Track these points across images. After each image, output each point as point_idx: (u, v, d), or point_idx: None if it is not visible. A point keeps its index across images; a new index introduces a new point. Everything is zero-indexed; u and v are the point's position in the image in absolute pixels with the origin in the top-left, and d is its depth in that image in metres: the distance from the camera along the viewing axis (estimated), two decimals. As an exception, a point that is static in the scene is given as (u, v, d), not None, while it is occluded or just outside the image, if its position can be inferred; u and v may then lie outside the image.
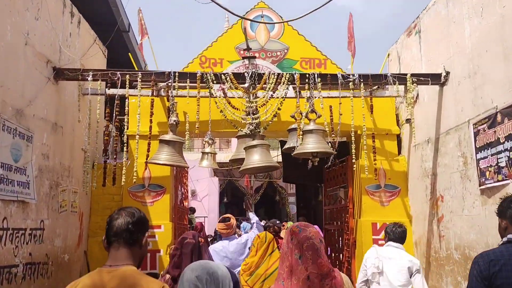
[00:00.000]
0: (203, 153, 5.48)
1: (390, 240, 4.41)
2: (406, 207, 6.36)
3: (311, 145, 5.11)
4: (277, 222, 9.19)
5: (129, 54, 6.96)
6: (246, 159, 5.04)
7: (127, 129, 6.18)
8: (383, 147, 6.54)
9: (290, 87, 5.66)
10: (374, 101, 6.08)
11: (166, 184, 6.27)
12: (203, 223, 10.68)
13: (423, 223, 5.89)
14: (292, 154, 5.35)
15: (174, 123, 5.03)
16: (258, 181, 25.69)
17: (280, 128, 6.56)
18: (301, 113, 5.83)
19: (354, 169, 6.49)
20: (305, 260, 2.24)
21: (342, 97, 5.61)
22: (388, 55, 7.12)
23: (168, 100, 5.20)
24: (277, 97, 5.41)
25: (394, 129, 6.63)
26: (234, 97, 5.42)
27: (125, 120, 5.13)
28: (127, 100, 5.10)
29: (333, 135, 5.41)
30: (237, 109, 5.25)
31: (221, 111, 5.23)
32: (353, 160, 5.69)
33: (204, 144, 5.49)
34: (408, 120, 6.27)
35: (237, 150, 5.73)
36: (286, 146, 5.79)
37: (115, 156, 5.03)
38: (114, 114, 5.06)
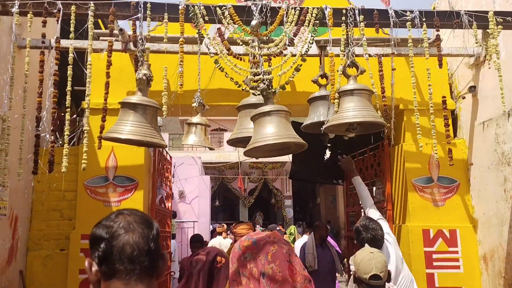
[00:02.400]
0: (189, 124, 3.70)
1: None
2: (467, 207, 4.66)
3: (353, 112, 3.39)
4: (277, 228, 7.45)
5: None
6: (255, 134, 3.30)
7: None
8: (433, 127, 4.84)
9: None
10: (418, 66, 4.43)
11: (139, 176, 4.50)
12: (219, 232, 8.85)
13: (499, 229, 4.19)
14: (322, 128, 3.63)
15: (145, 78, 3.28)
16: (253, 183, 24.10)
17: (294, 100, 4.85)
18: (326, 77, 4.15)
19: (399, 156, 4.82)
20: (273, 276, 2.08)
21: (388, 55, 3.93)
22: (434, 7, 5.44)
23: (135, 46, 3.44)
24: (294, 55, 3.66)
25: (448, 103, 4.93)
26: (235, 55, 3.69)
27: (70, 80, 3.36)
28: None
29: (384, 101, 3.70)
30: (241, 59, 3.50)
31: (215, 62, 3.48)
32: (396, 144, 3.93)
33: (194, 110, 3.68)
34: (472, 89, 4.59)
35: (239, 126, 3.98)
36: (308, 121, 4.07)
37: (52, 129, 3.25)
38: (52, 67, 3.30)
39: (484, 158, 4.41)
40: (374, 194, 5.81)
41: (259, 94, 3.36)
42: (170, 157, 6.24)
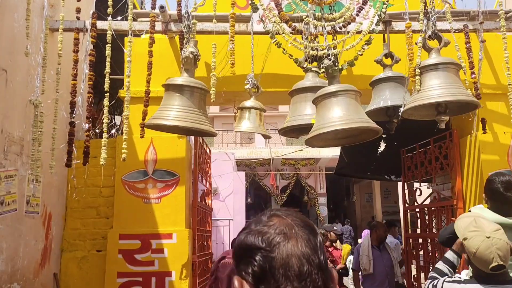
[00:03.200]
0: (242, 109, 3.24)
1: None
2: (556, 206, 4.03)
3: (439, 90, 2.85)
4: (334, 228, 6.87)
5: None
6: (320, 119, 2.81)
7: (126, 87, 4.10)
8: (510, 113, 4.23)
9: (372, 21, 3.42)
10: (492, 44, 3.88)
11: (180, 171, 4.09)
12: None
13: None
14: (400, 113, 3.11)
15: (191, 56, 2.84)
16: (285, 180, 23.59)
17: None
18: (392, 56, 3.64)
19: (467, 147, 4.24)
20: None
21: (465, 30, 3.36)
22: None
23: (180, 21, 3.01)
24: (359, 32, 3.15)
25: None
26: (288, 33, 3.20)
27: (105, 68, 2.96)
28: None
29: (473, 78, 3.14)
30: (299, 32, 3.00)
31: (271, 37, 3.00)
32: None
33: (247, 93, 3.20)
34: None
35: (293, 113, 3.50)
36: (372, 107, 3.55)
37: (87, 116, 2.85)
38: (87, 46, 2.90)
39: None
40: (436, 189, 5.20)
41: (323, 72, 2.87)
42: (210, 150, 5.83)
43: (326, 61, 2.82)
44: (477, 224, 1.95)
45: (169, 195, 4.02)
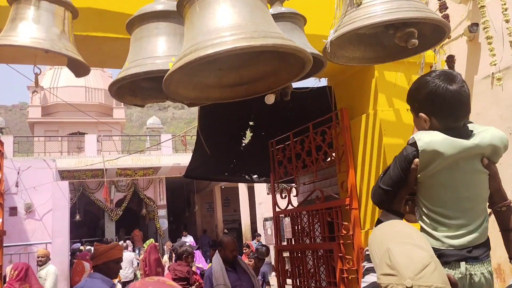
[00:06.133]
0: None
1: None
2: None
3: (382, 5, 1.68)
4: (187, 243, 5.25)
5: None
6: (196, 33, 1.38)
7: None
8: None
9: None
10: None
11: None
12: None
13: None
14: (327, 45, 1.85)
15: None
16: (120, 192, 21.16)
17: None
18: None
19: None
20: None
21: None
22: None
23: None
24: None
25: (427, 54, 3.59)
26: None
27: None
28: None
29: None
30: None
31: None
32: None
33: None
34: (474, 28, 3.27)
35: (135, 56, 1.99)
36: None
37: None
38: None
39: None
40: (319, 187, 4.20)
41: None
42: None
43: None
44: (392, 263, 1.23)
45: None
